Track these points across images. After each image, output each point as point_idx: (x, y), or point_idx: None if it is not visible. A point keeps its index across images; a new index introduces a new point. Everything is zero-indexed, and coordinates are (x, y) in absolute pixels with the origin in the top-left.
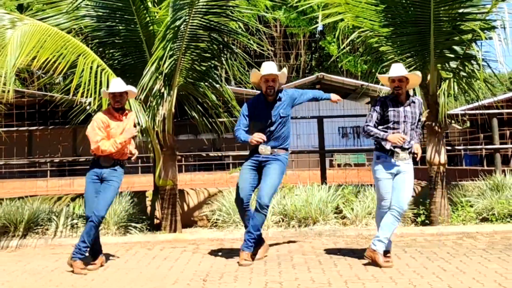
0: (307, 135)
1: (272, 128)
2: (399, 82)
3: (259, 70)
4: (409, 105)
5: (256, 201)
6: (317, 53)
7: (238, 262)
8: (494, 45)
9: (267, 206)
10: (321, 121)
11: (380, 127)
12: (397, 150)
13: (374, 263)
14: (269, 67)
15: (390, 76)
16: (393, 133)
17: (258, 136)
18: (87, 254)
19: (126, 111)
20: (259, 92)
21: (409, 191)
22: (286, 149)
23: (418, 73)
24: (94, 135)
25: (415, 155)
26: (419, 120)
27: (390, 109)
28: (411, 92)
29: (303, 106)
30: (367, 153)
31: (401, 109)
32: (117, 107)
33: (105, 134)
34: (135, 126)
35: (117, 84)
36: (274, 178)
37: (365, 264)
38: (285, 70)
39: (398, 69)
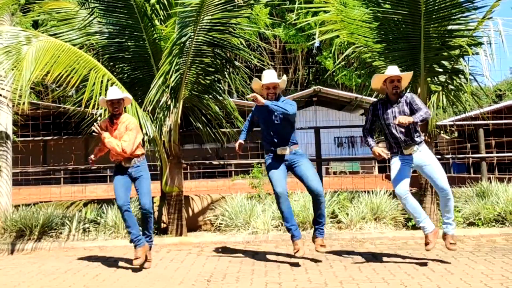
0: (305, 145)
1: (277, 129)
2: (398, 81)
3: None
4: (397, 104)
5: (312, 194)
6: (314, 67)
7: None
8: (480, 60)
9: (323, 193)
10: (318, 132)
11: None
12: (402, 147)
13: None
14: (269, 76)
15: (389, 76)
16: (389, 134)
17: (238, 145)
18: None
19: (121, 116)
20: None
21: (443, 174)
22: (296, 143)
23: (411, 72)
24: (113, 144)
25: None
26: (416, 110)
27: (380, 111)
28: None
29: (301, 118)
30: (361, 162)
31: (389, 110)
32: (115, 113)
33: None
34: (127, 129)
35: (114, 92)
36: (313, 169)
37: (359, 266)
38: (284, 77)
39: (395, 69)
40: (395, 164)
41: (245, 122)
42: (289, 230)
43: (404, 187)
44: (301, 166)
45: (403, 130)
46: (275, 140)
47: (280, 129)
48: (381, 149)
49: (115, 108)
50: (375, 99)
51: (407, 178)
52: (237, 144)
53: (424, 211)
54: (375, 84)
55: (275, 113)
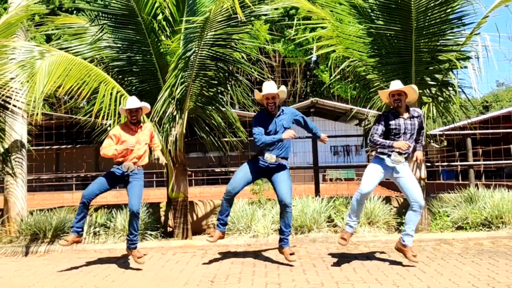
0: (303, 153)
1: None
2: (398, 95)
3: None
4: (409, 118)
5: (280, 203)
6: (311, 80)
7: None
8: (468, 73)
9: (291, 204)
10: (315, 141)
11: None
12: (394, 153)
13: (404, 255)
14: (269, 87)
15: (390, 91)
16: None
17: (291, 133)
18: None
19: (141, 124)
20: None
21: (419, 188)
22: (286, 159)
23: (414, 86)
24: (104, 146)
25: (417, 160)
26: (420, 129)
27: (391, 121)
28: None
29: (299, 128)
30: (355, 169)
31: (401, 121)
32: (133, 121)
33: (114, 144)
34: (152, 137)
35: (133, 101)
36: (289, 181)
37: (354, 267)
38: (284, 87)
39: (396, 84)
40: (374, 168)
41: (256, 133)
42: (218, 220)
43: (367, 189)
44: (279, 177)
45: (407, 141)
46: (274, 147)
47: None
48: (403, 142)
49: (133, 116)
50: (370, 110)
51: (375, 184)
52: (291, 134)
53: (359, 217)
54: (384, 99)
55: (283, 123)
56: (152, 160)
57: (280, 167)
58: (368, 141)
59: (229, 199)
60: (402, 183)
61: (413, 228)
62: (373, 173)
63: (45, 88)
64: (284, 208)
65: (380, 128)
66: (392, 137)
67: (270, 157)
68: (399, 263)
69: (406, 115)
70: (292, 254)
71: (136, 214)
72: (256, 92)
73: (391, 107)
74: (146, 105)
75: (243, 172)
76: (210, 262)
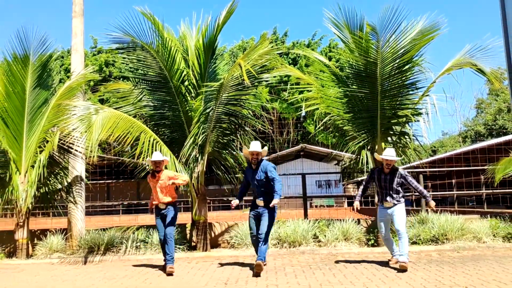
0: (294, 186)
1: (259, 184)
2: (389, 161)
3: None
4: (391, 174)
5: (257, 233)
6: (301, 130)
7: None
8: (420, 125)
9: (265, 236)
10: (304, 176)
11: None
12: (386, 200)
13: (404, 270)
14: (254, 146)
15: (385, 159)
16: (379, 191)
17: (234, 203)
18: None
19: (161, 172)
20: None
21: (402, 222)
22: (274, 199)
23: (397, 159)
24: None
25: (429, 207)
26: (402, 184)
27: (376, 176)
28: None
29: (292, 167)
30: (335, 198)
31: (382, 176)
32: (157, 170)
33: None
34: (173, 178)
35: (157, 155)
36: (269, 220)
37: (334, 273)
38: (265, 148)
39: (391, 153)
40: (379, 212)
41: (241, 185)
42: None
43: (383, 230)
44: (264, 216)
45: (387, 191)
46: (259, 192)
47: (262, 184)
48: (356, 204)
49: (157, 166)
50: (345, 153)
51: (384, 223)
52: (234, 203)
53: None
54: (378, 158)
55: (260, 174)
56: (181, 191)
57: (266, 211)
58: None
59: (254, 242)
60: (393, 217)
61: (402, 249)
62: (381, 217)
63: (99, 136)
64: (259, 237)
65: (367, 180)
66: (379, 187)
67: (259, 202)
68: (368, 270)
69: (388, 172)
70: (265, 265)
71: (168, 238)
72: (244, 148)
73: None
74: (166, 158)
75: (250, 223)
76: (224, 269)
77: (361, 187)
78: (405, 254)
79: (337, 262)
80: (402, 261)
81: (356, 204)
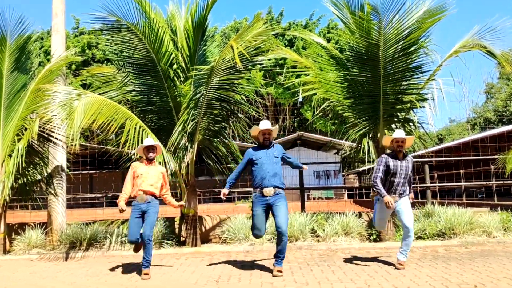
0: (291, 177)
1: (270, 166)
2: (402, 142)
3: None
4: (405, 160)
5: (278, 231)
6: (298, 117)
7: (273, 275)
8: (426, 112)
9: (286, 233)
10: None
11: (380, 177)
12: (399, 192)
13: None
14: (265, 124)
15: (394, 138)
16: (392, 181)
17: (224, 192)
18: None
19: (154, 162)
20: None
21: (410, 217)
22: (283, 188)
23: (412, 136)
24: (123, 189)
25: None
26: (412, 170)
27: (391, 163)
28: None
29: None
30: (334, 190)
31: (398, 163)
32: (150, 158)
33: (130, 187)
34: (164, 179)
35: (149, 140)
36: (286, 212)
37: (333, 270)
38: (277, 126)
39: (400, 133)
40: (382, 204)
41: (234, 172)
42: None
43: (381, 225)
44: (278, 205)
45: (402, 181)
46: (268, 177)
47: (277, 166)
48: (390, 199)
49: (150, 152)
50: (345, 142)
51: (384, 217)
52: (224, 192)
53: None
54: (385, 142)
55: (274, 154)
56: (170, 181)
57: (279, 198)
58: (372, 179)
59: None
60: (398, 211)
61: (404, 248)
62: (383, 210)
63: (81, 123)
64: (280, 235)
65: (382, 168)
66: (390, 177)
67: (269, 191)
68: (370, 266)
69: (402, 158)
70: (279, 271)
71: (146, 240)
72: (253, 128)
73: (389, 150)
74: (159, 143)
75: (257, 212)
76: (215, 265)
77: (378, 180)
78: (406, 254)
79: (336, 258)
80: (402, 260)
81: (390, 199)
